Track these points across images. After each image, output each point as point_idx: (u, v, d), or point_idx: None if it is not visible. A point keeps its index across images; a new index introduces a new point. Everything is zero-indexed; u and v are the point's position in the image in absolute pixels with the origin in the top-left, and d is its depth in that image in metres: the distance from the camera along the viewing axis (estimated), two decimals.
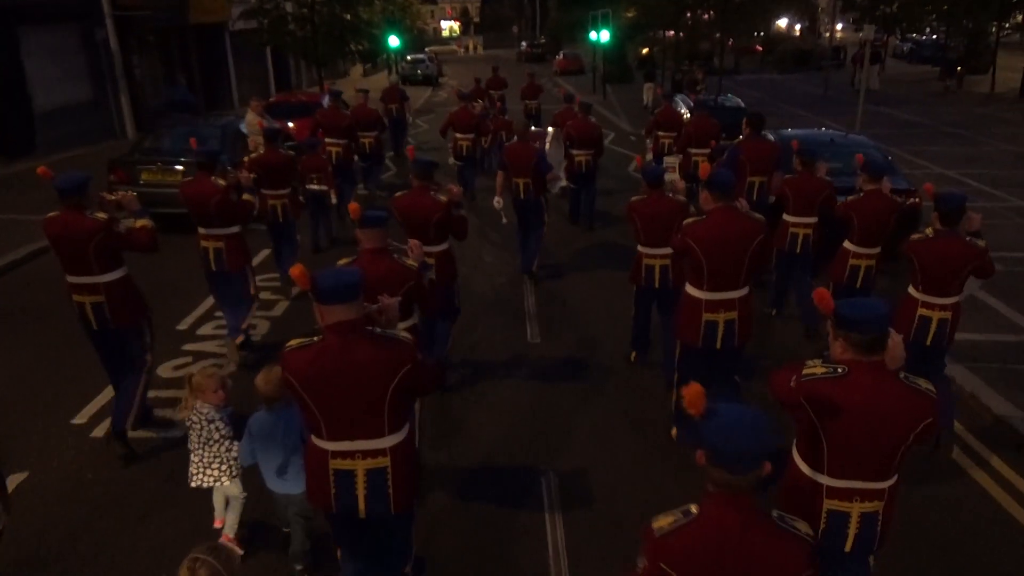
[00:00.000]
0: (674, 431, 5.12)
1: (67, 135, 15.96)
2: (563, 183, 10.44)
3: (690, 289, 4.74)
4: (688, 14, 25.90)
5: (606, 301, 7.76)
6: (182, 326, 7.20)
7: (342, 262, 4.07)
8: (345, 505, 3.08)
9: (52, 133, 15.66)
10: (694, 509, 2.18)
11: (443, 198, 5.44)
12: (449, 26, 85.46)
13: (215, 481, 3.94)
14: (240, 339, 6.37)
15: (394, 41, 25.22)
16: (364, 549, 3.34)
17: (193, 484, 3.95)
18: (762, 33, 23.60)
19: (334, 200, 9.08)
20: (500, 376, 6.20)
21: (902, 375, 2.75)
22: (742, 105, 15.15)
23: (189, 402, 3.87)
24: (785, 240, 6.85)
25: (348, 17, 20.23)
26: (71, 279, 4.83)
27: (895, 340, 2.77)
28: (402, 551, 3.45)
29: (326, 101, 13.16)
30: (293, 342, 2.99)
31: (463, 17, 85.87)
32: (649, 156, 11.75)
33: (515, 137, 8.51)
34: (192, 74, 23.12)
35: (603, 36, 25.66)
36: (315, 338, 2.96)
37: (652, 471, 4.91)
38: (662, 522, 2.18)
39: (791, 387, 2.81)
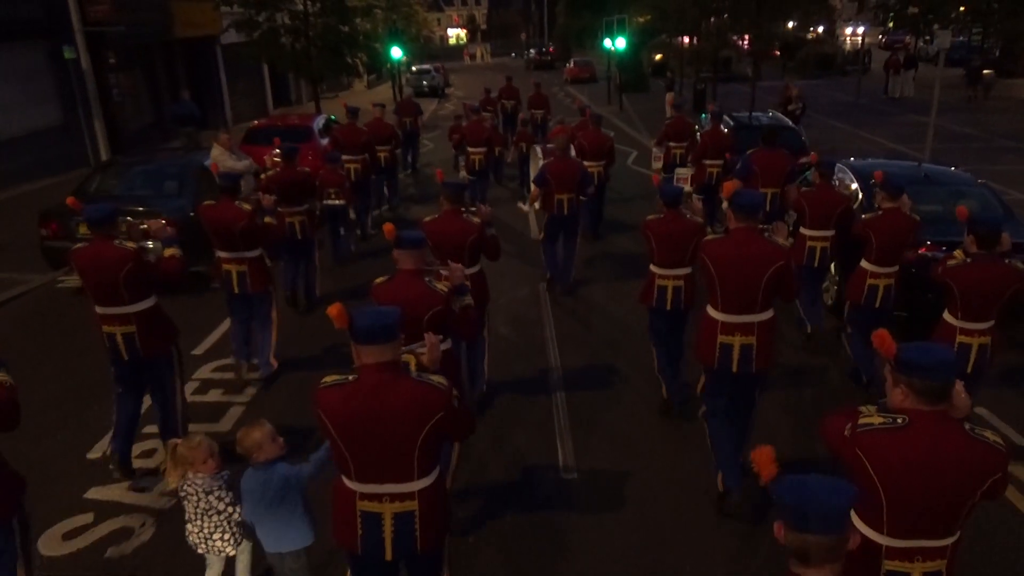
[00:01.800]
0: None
1: (32, 164, 15.10)
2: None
3: (709, 309, 4.75)
4: (712, 19, 23.80)
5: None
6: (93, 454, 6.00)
7: (379, 281, 4.17)
8: (371, 547, 3.09)
9: (15, 162, 14.79)
10: None
11: (476, 220, 5.48)
12: (456, 34, 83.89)
13: (220, 552, 3.80)
14: (275, 363, 6.65)
15: (396, 52, 23.26)
16: None
17: (200, 551, 3.82)
18: (779, 38, 21.51)
19: (353, 215, 9.45)
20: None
21: (967, 426, 2.57)
22: (788, 123, 12.88)
23: (173, 473, 3.66)
24: (803, 254, 6.80)
25: (345, 29, 18.15)
26: (100, 310, 4.90)
27: (959, 388, 2.61)
28: None
29: (319, 123, 13.37)
30: (328, 379, 2.99)
31: (470, 24, 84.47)
32: (659, 166, 11.95)
33: (536, 150, 9.12)
34: (179, 92, 21.27)
35: (619, 43, 23.52)
36: (350, 377, 2.96)
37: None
38: None
39: (845, 437, 2.62)
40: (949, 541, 2.67)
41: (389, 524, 3.07)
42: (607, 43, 25.69)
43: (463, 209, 5.52)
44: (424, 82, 34.17)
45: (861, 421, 2.62)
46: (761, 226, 4.62)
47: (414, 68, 37.40)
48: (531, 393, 6.38)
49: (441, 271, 4.29)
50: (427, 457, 3.02)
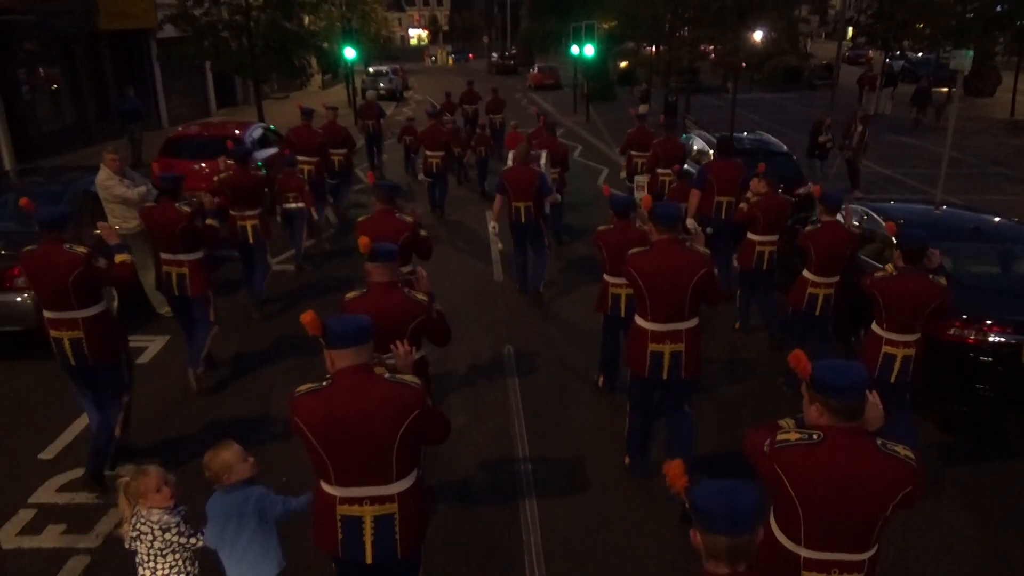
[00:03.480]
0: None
1: None
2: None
3: (637, 319, 4.94)
4: (686, 28, 22.43)
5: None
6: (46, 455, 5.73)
7: (351, 295, 4.14)
8: (351, 551, 3.17)
9: None
10: None
11: (408, 219, 5.76)
12: (417, 34, 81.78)
13: None
14: (201, 370, 6.62)
15: (350, 53, 21.35)
16: None
17: None
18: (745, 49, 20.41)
19: (315, 216, 9.74)
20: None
21: (880, 442, 2.72)
22: (784, 150, 11.33)
23: (128, 513, 3.41)
24: (752, 258, 7.29)
25: (291, 26, 16.20)
26: (48, 314, 4.92)
27: (874, 401, 2.79)
28: None
29: (254, 134, 12.35)
30: (303, 387, 3.05)
31: (432, 25, 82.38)
32: (623, 175, 12.35)
33: (508, 158, 9.07)
34: (106, 89, 19.04)
35: (587, 50, 21.93)
36: (324, 383, 3.03)
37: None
38: None
39: (764, 452, 2.78)
40: (866, 555, 2.79)
41: (369, 528, 3.14)
42: (574, 50, 24.04)
43: (395, 210, 5.81)
44: (381, 84, 32.45)
45: (779, 437, 2.77)
46: (682, 236, 4.91)
47: (371, 70, 35.40)
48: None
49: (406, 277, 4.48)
50: (405, 458, 3.11)
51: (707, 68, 31.44)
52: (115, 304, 7.37)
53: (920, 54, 37.12)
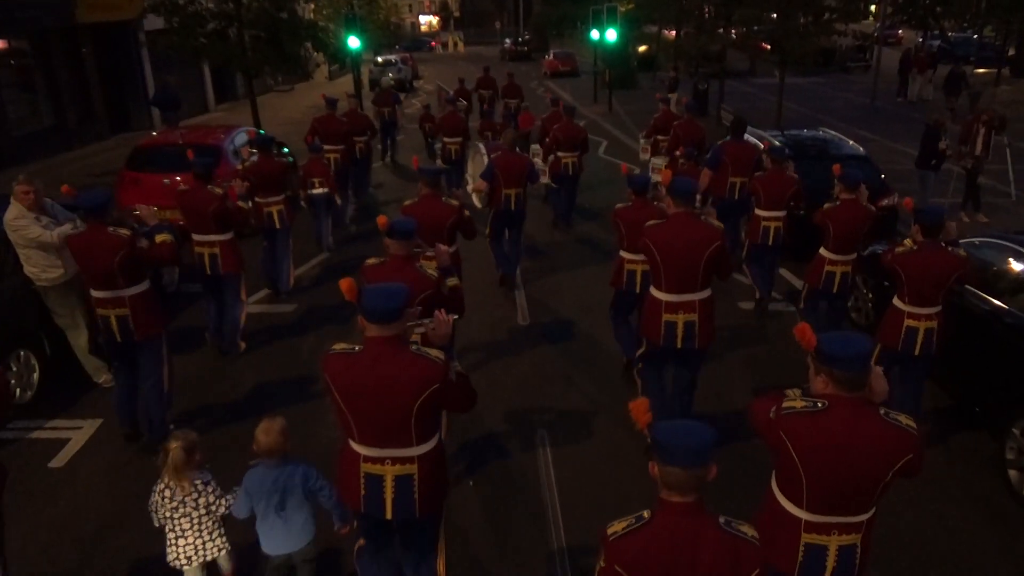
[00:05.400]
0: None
1: None
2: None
3: (652, 290, 5.21)
4: (707, 9, 20.55)
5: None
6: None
7: (370, 261, 4.56)
8: (373, 507, 3.43)
9: None
10: (646, 514, 2.42)
11: (454, 202, 5.98)
12: (428, 21, 79.69)
13: (219, 551, 3.93)
14: (242, 345, 7.18)
15: (354, 43, 19.52)
16: (388, 548, 3.68)
17: (193, 565, 3.85)
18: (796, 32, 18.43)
19: (339, 201, 10.19)
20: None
21: (883, 411, 2.90)
22: (861, 152, 9.43)
23: (181, 481, 3.68)
24: (758, 233, 7.59)
25: (283, 15, 14.50)
26: (96, 294, 5.30)
27: (877, 373, 2.94)
28: (427, 551, 3.74)
29: (235, 141, 11.00)
30: (337, 346, 3.35)
31: (443, 11, 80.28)
32: (644, 156, 12.48)
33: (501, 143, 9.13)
34: (88, 86, 17.31)
35: (609, 35, 19.95)
36: (356, 347, 3.29)
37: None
38: (616, 527, 2.43)
39: (770, 419, 2.96)
40: (864, 517, 2.99)
41: (390, 486, 3.36)
42: (594, 35, 22.03)
43: (441, 194, 6.04)
44: (390, 75, 30.30)
45: (785, 404, 2.92)
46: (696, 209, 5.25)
47: (379, 59, 33.61)
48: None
49: (428, 252, 4.88)
50: (424, 425, 3.33)
51: (730, 52, 29.33)
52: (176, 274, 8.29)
53: (972, 33, 34.37)
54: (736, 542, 2.34)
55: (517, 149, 8.76)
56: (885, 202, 8.66)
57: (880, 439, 2.77)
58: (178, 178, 9.22)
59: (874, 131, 18.30)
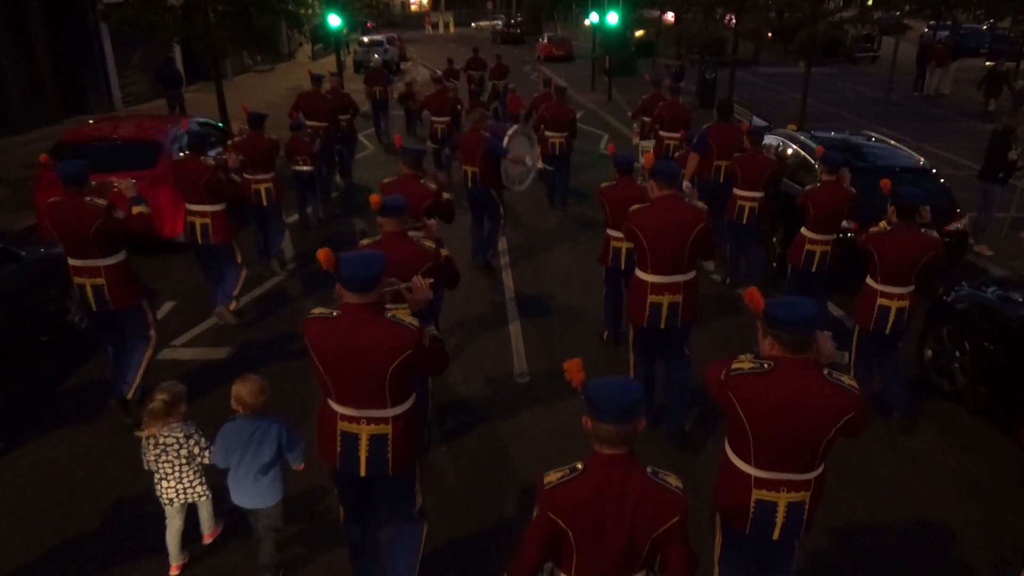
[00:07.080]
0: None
1: None
2: (532, 176, 10.46)
3: (638, 272, 5.35)
4: None
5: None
6: None
7: (364, 242, 4.65)
8: (347, 464, 3.62)
9: None
10: (580, 465, 2.60)
11: (432, 185, 6.14)
12: (418, 0, 77.24)
13: (200, 497, 4.25)
14: (233, 305, 7.48)
15: (334, 21, 17.90)
16: (363, 506, 3.87)
17: (175, 506, 4.18)
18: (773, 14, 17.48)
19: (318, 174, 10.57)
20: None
21: (826, 371, 3.07)
22: (921, 164, 7.98)
23: (154, 427, 3.98)
24: (734, 212, 7.87)
25: None
26: (73, 262, 5.46)
27: (823, 337, 3.09)
28: (403, 504, 3.90)
29: (174, 135, 9.50)
30: (316, 311, 3.48)
31: None
32: (636, 140, 12.53)
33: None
34: (35, 62, 15.57)
35: (610, 19, 18.48)
36: (334, 312, 3.42)
37: None
38: (552, 477, 2.60)
39: (720, 380, 3.16)
40: (811, 475, 3.19)
41: (365, 444, 3.53)
42: (594, 18, 20.48)
43: (421, 175, 6.23)
44: (376, 55, 28.52)
45: (734, 366, 3.10)
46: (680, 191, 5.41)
47: (365, 39, 31.98)
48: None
49: (415, 227, 5.04)
50: (399, 388, 3.50)
51: (729, 39, 27.89)
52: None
53: (985, 26, 32.84)
54: (659, 490, 2.54)
55: (484, 129, 8.74)
56: (956, 226, 7.43)
57: (823, 398, 2.96)
58: (112, 179, 7.68)
59: (895, 128, 16.39)
